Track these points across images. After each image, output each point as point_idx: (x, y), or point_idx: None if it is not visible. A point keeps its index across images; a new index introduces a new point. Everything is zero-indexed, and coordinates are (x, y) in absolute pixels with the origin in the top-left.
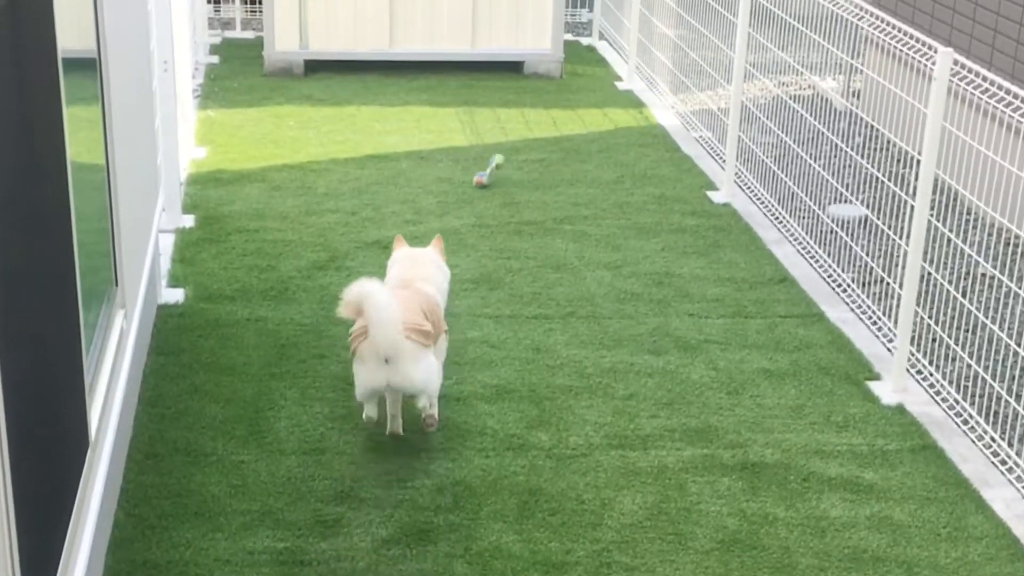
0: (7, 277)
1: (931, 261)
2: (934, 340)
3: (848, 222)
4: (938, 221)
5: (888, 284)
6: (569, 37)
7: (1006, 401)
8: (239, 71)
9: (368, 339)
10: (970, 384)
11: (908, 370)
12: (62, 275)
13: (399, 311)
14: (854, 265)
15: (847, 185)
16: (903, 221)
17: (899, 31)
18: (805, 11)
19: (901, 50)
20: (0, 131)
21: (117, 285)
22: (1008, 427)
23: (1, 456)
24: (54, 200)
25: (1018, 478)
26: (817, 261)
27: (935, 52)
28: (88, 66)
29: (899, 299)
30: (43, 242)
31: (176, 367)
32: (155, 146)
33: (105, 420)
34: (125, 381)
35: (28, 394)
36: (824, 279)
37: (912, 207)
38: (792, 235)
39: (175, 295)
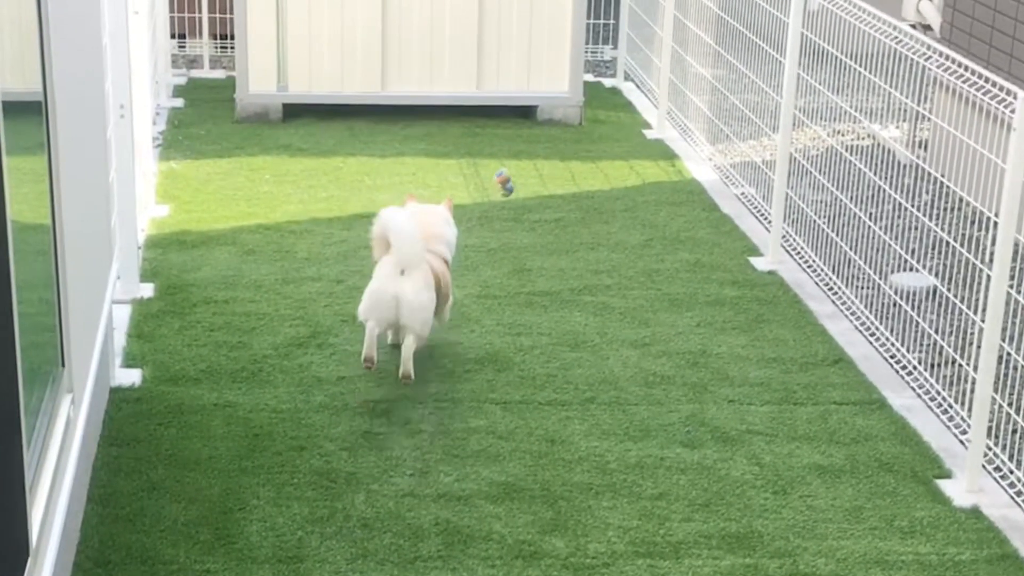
0: None
1: (1010, 339)
2: (1015, 431)
3: (914, 293)
4: (1018, 293)
5: (961, 366)
6: (590, 78)
7: None
8: (207, 116)
9: (391, 250)
10: None
11: (984, 466)
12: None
13: (419, 230)
14: (921, 344)
15: (912, 251)
16: (978, 293)
17: (973, 73)
18: (863, 49)
19: (975, 95)
20: None
21: (64, 365)
22: None
23: None
24: None
25: None
26: (878, 339)
27: (1015, 98)
28: (33, 110)
29: (974, 383)
30: None
31: (131, 460)
32: (109, 203)
33: (48, 523)
34: (72, 477)
35: None
36: (886, 360)
37: (988, 276)
38: (848, 308)
39: (131, 376)
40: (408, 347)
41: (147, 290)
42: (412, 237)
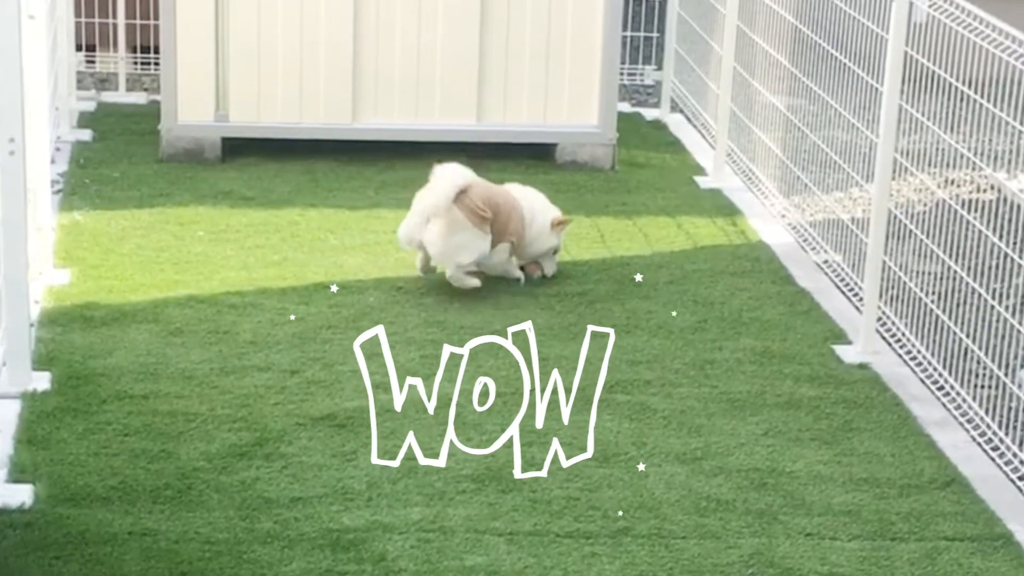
0: None
1: None
2: None
3: None
4: None
5: None
6: (625, 107)
7: None
8: (122, 153)
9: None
10: None
11: None
12: None
13: (455, 183)
14: None
15: None
16: None
17: None
18: (985, 73)
19: None
20: None
21: None
22: None
23: None
24: None
25: None
26: (1002, 454)
27: None
28: None
29: None
30: None
31: None
32: None
33: None
34: None
35: None
36: (1013, 482)
37: None
38: (964, 414)
39: (19, 494)
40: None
41: (42, 381)
42: (437, 186)
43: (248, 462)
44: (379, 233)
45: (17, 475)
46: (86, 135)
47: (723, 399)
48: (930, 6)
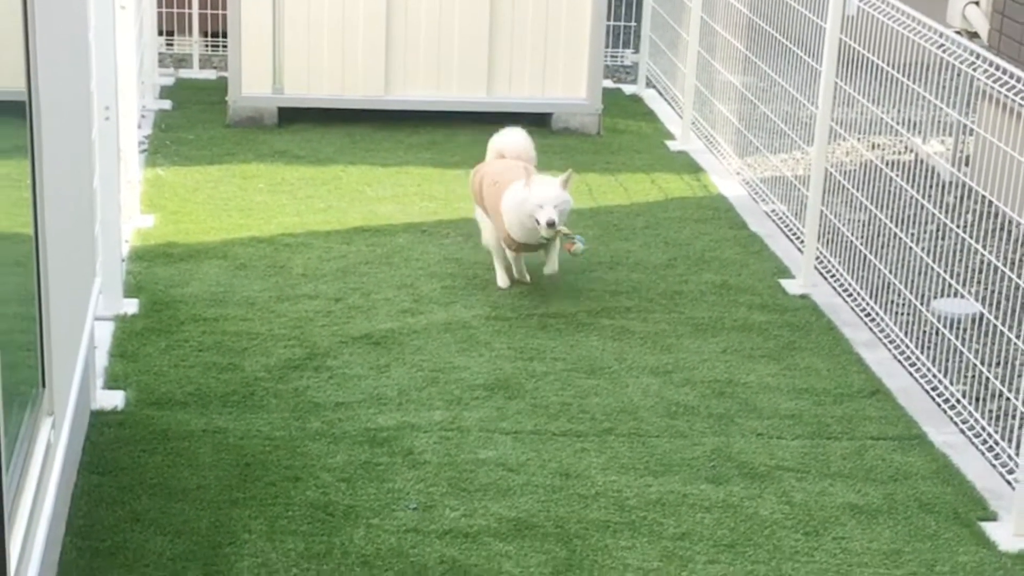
0: None
1: None
2: None
3: (957, 321)
4: None
5: (1008, 399)
6: (609, 84)
7: None
8: (196, 120)
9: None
10: None
11: None
12: None
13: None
14: (965, 375)
15: (956, 274)
16: None
17: (1022, 83)
18: (905, 57)
19: None
20: None
21: (44, 386)
22: None
23: None
24: None
25: None
26: (918, 369)
27: None
28: (14, 110)
29: (1022, 419)
30: None
31: (113, 489)
32: (93, 212)
33: (27, 555)
34: (52, 506)
35: None
36: (927, 392)
37: None
38: (887, 336)
39: (113, 399)
40: None
41: (131, 306)
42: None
43: (300, 373)
44: (407, 186)
45: (111, 383)
46: (167, 105)
47: (689, 323)
48: (861, 0)
